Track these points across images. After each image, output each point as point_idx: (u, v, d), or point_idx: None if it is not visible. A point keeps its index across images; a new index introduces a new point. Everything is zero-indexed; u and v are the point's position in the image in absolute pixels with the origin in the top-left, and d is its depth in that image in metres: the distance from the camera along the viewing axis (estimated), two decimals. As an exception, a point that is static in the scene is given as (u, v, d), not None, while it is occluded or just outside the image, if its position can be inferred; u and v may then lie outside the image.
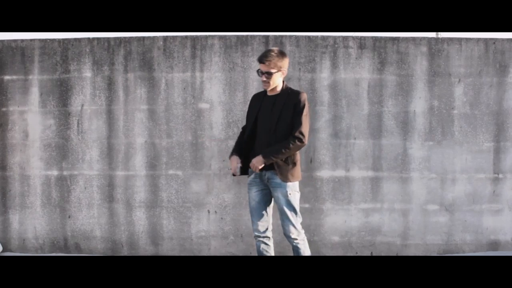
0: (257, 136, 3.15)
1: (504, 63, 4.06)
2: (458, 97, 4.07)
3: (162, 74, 4.09)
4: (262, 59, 3.06)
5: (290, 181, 3.08)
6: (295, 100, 3.08)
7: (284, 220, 3.09)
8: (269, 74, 3.06)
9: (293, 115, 3.06)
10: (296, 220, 3.09)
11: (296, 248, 3.10)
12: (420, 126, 4.06)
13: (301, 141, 3.04)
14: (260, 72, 3.10)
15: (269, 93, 3.18)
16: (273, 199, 3.16)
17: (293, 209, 3.07)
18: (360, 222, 4.09)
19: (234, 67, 4.07)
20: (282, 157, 3.04)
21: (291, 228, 3.07)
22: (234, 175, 3.19)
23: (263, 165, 3.04)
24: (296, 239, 3.08)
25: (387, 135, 4.07)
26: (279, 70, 3.07)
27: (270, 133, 3.09)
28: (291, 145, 3.04)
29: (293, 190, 3.09)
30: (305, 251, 3.11)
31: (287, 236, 3.11)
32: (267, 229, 3.14)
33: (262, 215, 3.13)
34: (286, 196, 3.07)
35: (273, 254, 3.17)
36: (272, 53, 3.06)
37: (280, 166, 3.07)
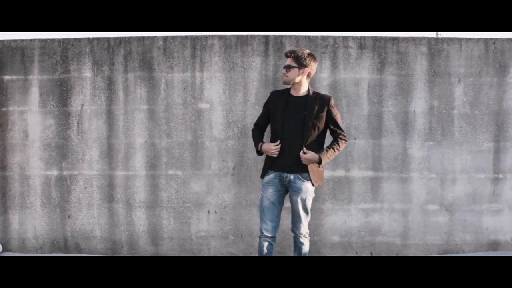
0: (286, 137, 3.14)
1: (504, 63, 4.06)
2: (458, 97, 4.07)
3: (162, 74, 4.09)
4: (287, 53, 3.14)
5: (320, 185, 3.18)
6: (329, 105, 3.17)
7: (298, 221, 3.16)
8: (288, 67, 3.10)
9: (330, 119, 3.17)
10: (308, 220, 3.19)
11: (300, 244, 3.18)
12: (420, 126, 4.06)
13: (346, 141, 3.24)
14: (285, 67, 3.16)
15: (294, 94, 3.18)
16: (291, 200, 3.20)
17: (308, 211, 3.16)
18: (360, 222, 4.09)
19: (234, 67, 4.07)
20: (332, 158, 3.21)
21: (303, 228, 3.17)
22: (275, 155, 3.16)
23: (312, 163, 3.11)
24: (305, 236, 3.17)
25: (387, 135, 4.07)
26: (300, 67, 3.09)
27: (304, 135, 3.11)
28: (341, 147, 3.22)
29: (312, 193, 3.16)
30: (307, 247, 3.21)
31: (296, 233, 3.17)
32: (276, 230, 3.16)
33: (275, 216, 3.16)
34: (305, 200, 3.13)
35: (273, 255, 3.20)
36: (298, 50, 3.15)
37: (314, 171, 3.13)
